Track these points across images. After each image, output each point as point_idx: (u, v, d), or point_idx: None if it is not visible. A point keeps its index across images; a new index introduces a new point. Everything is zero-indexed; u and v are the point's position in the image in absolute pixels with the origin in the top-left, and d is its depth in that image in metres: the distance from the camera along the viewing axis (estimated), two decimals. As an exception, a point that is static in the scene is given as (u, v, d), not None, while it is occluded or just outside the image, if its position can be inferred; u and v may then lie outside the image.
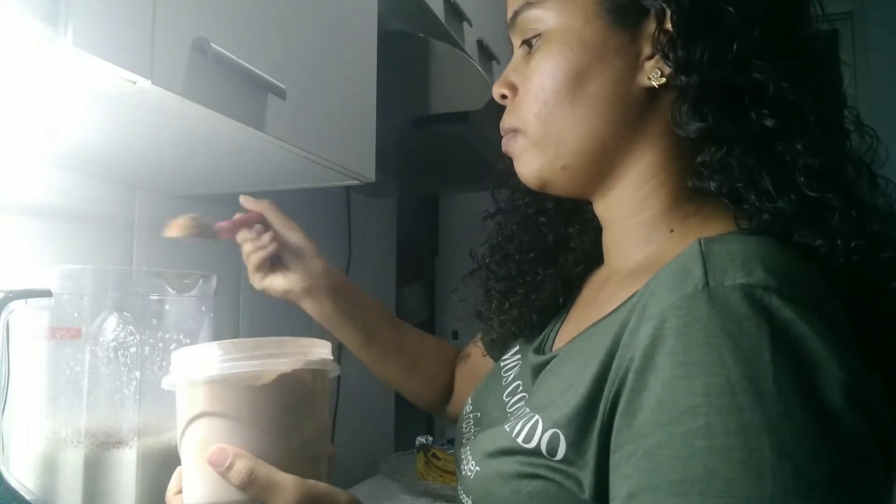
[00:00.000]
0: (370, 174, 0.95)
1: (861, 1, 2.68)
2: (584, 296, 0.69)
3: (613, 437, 0.47)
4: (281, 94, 0.73)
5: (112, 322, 0.67)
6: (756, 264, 0.45)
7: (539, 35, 0.58)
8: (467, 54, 1.27)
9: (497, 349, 0.79)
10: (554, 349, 0.64)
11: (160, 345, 0.70)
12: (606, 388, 0.48)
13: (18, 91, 0.62)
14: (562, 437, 0.50)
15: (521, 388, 0.64)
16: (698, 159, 0.53)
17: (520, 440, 0.52)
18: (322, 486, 0.50)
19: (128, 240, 1.00)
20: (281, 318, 1.35)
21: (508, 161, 0.65)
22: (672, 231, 0.57)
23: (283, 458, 0.49)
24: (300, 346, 0.52)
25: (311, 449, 0.53)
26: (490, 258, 0.76)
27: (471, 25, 1.33)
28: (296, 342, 0.53)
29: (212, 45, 0.62)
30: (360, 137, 0.94)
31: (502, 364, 0.72)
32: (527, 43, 0.60)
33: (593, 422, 0.48)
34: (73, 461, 0.64)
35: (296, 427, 0.51)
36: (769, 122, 0.51)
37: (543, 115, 0.58)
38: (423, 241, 2.12)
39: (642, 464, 0.43)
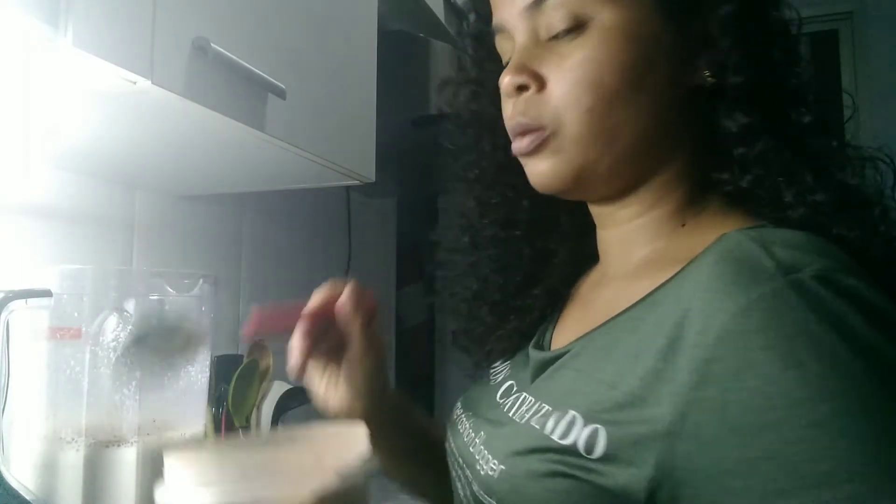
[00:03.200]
0: (370, 174, 0.95)
1: (861, 1, 2.68)
2: (581, 295, 0.67)
3: (703, 447, 0.43)
4: (281, 94, 0.73)
5: (112, 322, 0.67)
6: (818, 250, 0.46)
7: (584, 23, 0.53)
8: (467, 54, 1.27)
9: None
10: (555, 346, 0.63)
11: (160, 345, 0.70)
12: (668, 391, 0.45)
13: (18, 91, 0.62)
14: (603, 433, 0.47)
15: (514, 388, 0.62)
16: (737, 154, 0.53)
17: (555, 436, 0.50)
18: None
19: (128, 240, 1.00)
20: (281, 318, 1.35)
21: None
22: (683, 225, 0.57)
23: None
24: (322, 456, 0.43)
25: None
26: (471, 287, 0.70)
27: (471, 25, 1.33)
28: (314, 445, 0.44)
29: (212, 45, 0.62)
30: (360, 137, 0.94)
31: (491, 371, 0.70)
32: (565, 30, 0.54)
33: (648, 423, 0.45)
34: (73, 461, 0.64)
35: None
36: (807, 119, 0.53)
37: (598, 110, 0.53)
38: (423, 241, 2.12)
39: (768, 468, 0.41)
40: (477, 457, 0.57)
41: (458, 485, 0.61)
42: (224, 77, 0.66)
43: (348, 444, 0.46)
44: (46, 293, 0.64)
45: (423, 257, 2.15)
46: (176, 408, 0.72)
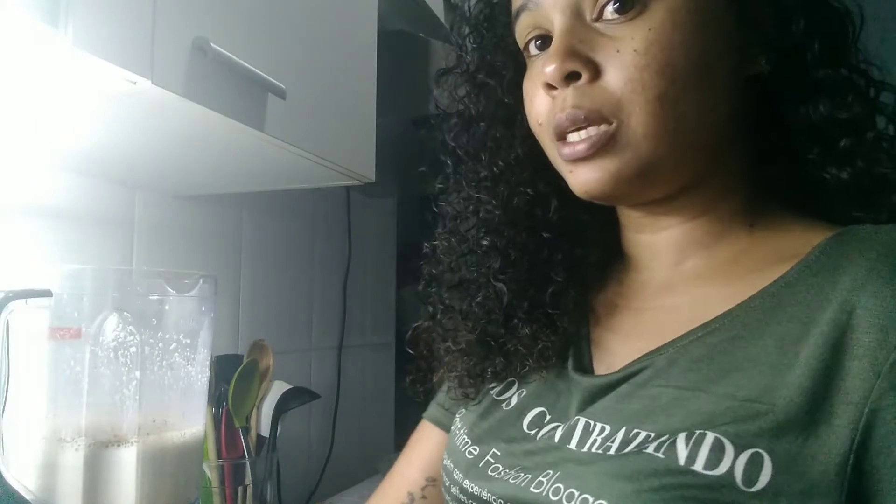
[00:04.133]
0: (370, 174, 0.95)
1: (861, 0, 2.68)
2: (621, 306, 0.59)
3: (894, 461, 0.38)
4: (281, 94, 0.73)
5: (112, 322, 0.67)
6: None
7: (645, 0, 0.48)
8: (467, 54, 1.27)
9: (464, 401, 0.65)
10: (605, 367, 0.55)
11: (160, 345, 0.70)
12: (843, 401, 0.40)
13: (17, 91, 0.62)
14: (767, 460, 0.40)
15: (549, 416, 0.55)
16: (829, 146, 0.50)
17: (698, 467, 0.41)
18: None
19: (128, 240, 1.00)
20: (281, 319, 1.35)
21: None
22: (752, 226, 0.53)
23: None
24: None
25: None
26: (475, 302, 0.62)
27: (471, 25, 1.33)
28: None
29: (212, 45, 0.62)
30: (360, 137, 0.94)
31: (494, 394, 0.62)
32: (620, 8, 0.48)
33: (823, 442, 0.40)
34: (73, 461, 0.64)
35: None
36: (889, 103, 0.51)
37: (671, 96, 0.47)
38: (423, 241, 2.12)
39: None
40: (554, 497, 0.48)
41: None
42: (224, 77, 0.66)
43: None
44: (46, 293, 0.64)
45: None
46: (176, 408, 0.72)
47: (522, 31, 0.55)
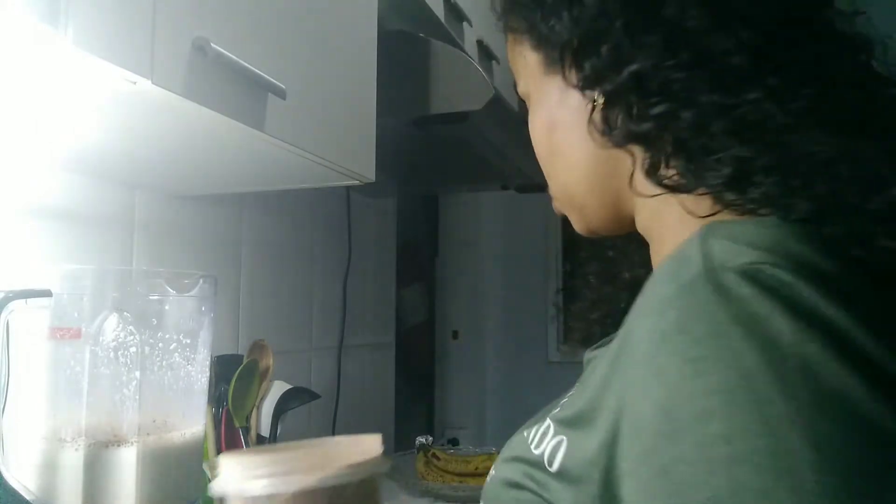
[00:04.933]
0: (370, 174, 0.95)
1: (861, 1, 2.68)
2: None
3: (621, 457, 0.39)
4: (281, 94, 0.73)
5: (112, 322, 0.67)
6: (760, 242, 0.39)
7: (528, 98, 0.61)
8: (467, 54, 1.27)
9: None
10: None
11: (160, 345, 0.70)
12: (609, 400, 0.42)
13: (17, 91, 0.62)
14: (564, 445, 0.45)
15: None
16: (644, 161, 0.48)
17: (532, 446, 0.49)
18: None
19: (128, 240, 1.00)
20: (281, 319, 1.35)
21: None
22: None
23: None
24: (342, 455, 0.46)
25: None
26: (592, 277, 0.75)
27: (471, 25, 1.33)
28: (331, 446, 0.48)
29: (212, 45, 0.62)
30: (360, 137, 0.94)
31: None
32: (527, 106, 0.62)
33: (595, 435, 0.42)
34: (73, 461, 0.64)
35: None
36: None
37: (547, 171, 0.60)
38: (423, 241, 2.12)
39: (655, 486, 0.36)
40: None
41: None
42: (224, 77, 0.66)
43: (366, 449, 0.49)
44: (46, 293, 0.64)
45: (423, 257, 2.15)
46: (176, 408, 0.72)
47: None
